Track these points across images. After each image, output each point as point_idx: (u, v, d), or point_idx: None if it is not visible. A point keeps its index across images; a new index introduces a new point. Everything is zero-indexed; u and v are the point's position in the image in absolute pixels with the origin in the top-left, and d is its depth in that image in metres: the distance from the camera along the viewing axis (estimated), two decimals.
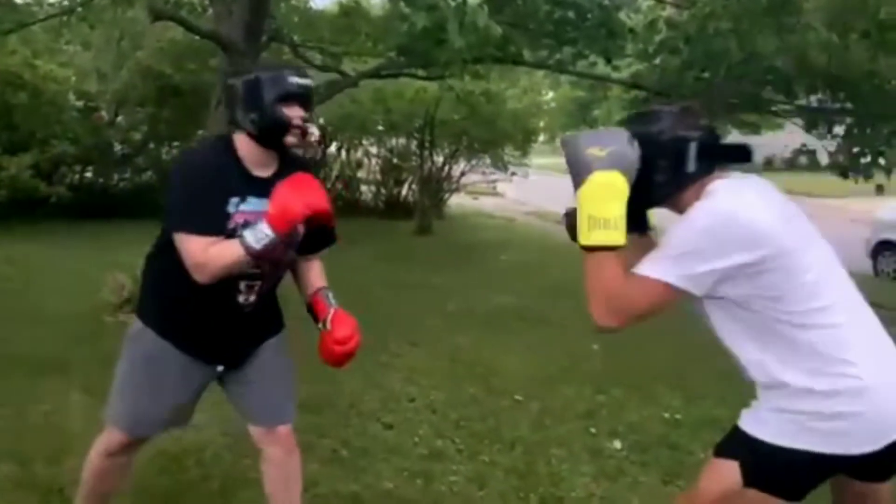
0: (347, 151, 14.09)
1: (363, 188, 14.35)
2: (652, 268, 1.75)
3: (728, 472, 1.78)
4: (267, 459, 2.38)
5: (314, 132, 2.11)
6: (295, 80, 2.10)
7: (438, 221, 12.67)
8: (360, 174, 14.34)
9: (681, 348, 5.11)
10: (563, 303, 6.82)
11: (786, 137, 11.18)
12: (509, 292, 7.22)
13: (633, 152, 1.77)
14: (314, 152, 9.00)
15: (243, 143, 2.14)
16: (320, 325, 2.29)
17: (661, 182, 1.82)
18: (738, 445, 1.80)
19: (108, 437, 2.33)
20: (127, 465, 2.44)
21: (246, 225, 2.05)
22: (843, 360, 1.69)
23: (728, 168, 1.89)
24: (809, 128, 6.01)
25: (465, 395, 4.31)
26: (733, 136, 20.22)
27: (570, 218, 1.86)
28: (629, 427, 3.92)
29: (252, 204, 2.10)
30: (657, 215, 2.01)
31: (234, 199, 2.09)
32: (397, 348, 5.13)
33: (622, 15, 6.11)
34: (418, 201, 12.90)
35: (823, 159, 6.22)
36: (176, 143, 11.58)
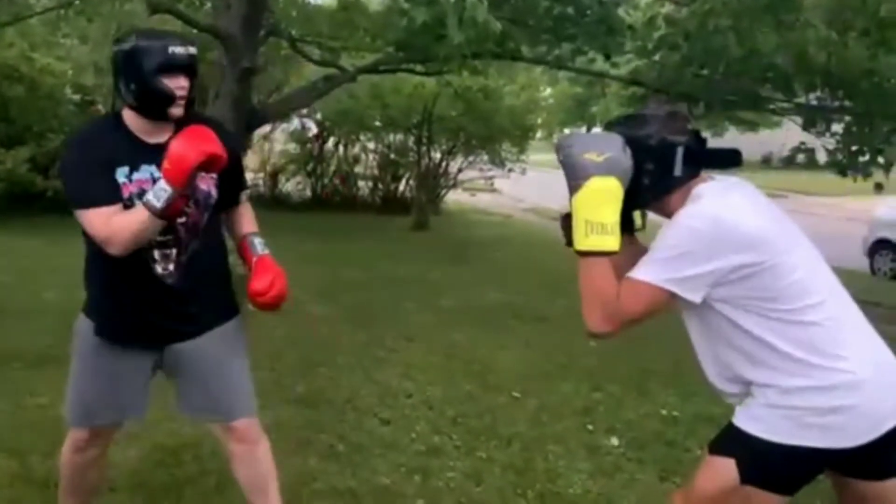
0: (345, 147, 14.08)
1: (360, 184, 14.33)
2: (643, 272, 1.76)
3: (724, 469, 1.80)
4: (231, 456, 2.33)
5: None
6: (176, 49, 2.03)
7: (435, 217, 12.66)
8: (358, 170, 14.33)
9: (677, 345, 5.07)
10: (559, 299, 6.82)
11: (784, 135, 11.18)
12: (506, 289, 7.22)
13: (627, 159, 1.78)
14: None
15: (129, 115, 2.11)
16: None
17: (647, 185, 1.84)
18: (733, 442, 1.81)
19: (71, 433, 2.34)
20: (98, 460, 2.41)
21: (143, 192, 2.02)
22: (836, 354, 1.73)
23: (712, 171, 1.91)
24: (808, 126, 6.01)
25: (461, 391, 4.31)
26: (731, 134, 20.25)
27: (566, 221, 1.86)
28: (626, 424, 3.93)
29: (145, 171, 2.08)
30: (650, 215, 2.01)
31: (123, 169, 2.06)
32: (394, 344, 5.13)
33: (621, 11, 6.09)
34: (415, 197, 12.89)
35: (822, 157, 6.22)
36: None
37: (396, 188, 14.30)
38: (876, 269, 10.07)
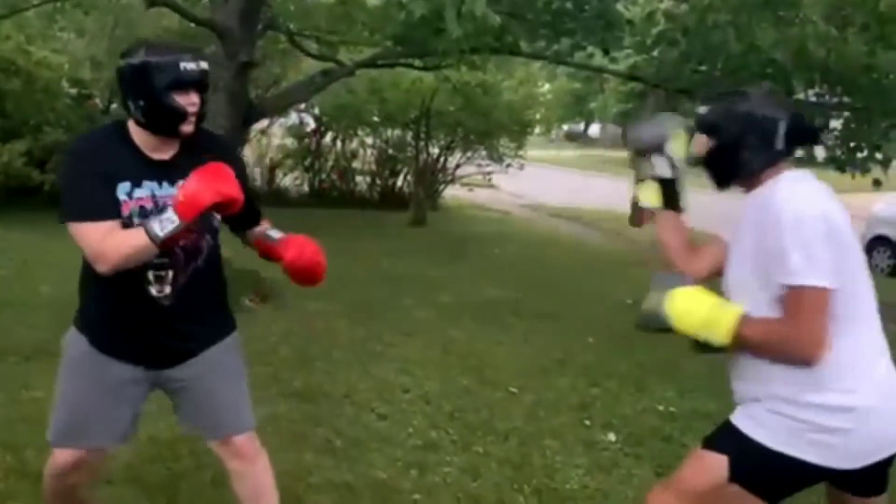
0: (343, 142, 14.04)
1: (358, 179, 14.30)
2: (801, 276, 1.69)
3: (715, 464, 1.80)
4: (232, 474, 2.26)
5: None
6: (188, 65, 1.94)
7: (433, 213, 12.65)
8: (356, 165, 14.29)
9: (674, 342, 5.10)
10: (557, 295, 6.82)
11: None
12: (503, 285, 7.21)
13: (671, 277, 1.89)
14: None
15: (136, 129, 2.02)
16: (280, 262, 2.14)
17: (747, 159, 1.86)
18: (730, 441, 1.82)
19: (53, 456, 2.21)
20: (78, 488, 2.28)
21: (143, 210, 1.97)
22: (852, 377, 1.74)
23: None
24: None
25: (459, 386, 4.30)
26: None
27: (702, 346, 1.86)
28: (623, 419, 3.93)
29: (147, 188, 2.00)
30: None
31: (125, 185, 1.98)
32: (391, 339, 5.12)
33: (620, 6, 6.09)
34: (413, 193, 12.86)
35: (820, 154, 6.22)
36: None
37: (394, 183, 14.27)
38: (873, 266, 10.07)
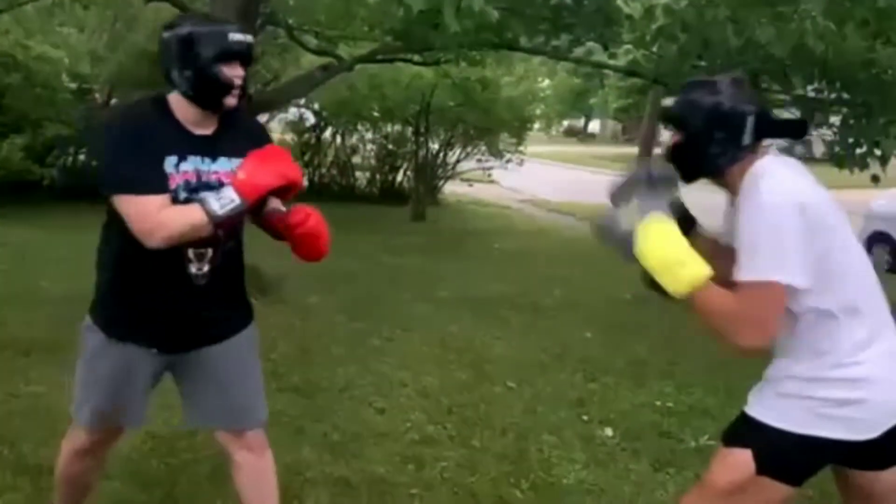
0: (342, 137, 14.05)
1: (358, 174, 14.31)
2: (760, 271, 1.69)
3: (740, 460, 1.79)
4: (236, 465, 2.23)
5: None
6: (236, 36, 1.94)
7: (433, 208, 12.65)
8: (356, 160, 14.30)
9: (672, 337, 5.12)
10: (555, 290, 6.83)
11: None
12: (502, 280, 7.22)
13: (655, 198, 1.80)
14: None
15: (178, 102, 1.99)
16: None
17: (715, 153, 1.82)
18: (748, 433, 1.81)
19: (74, 434, 2.24)
20: (96, 468, 2.35)
21: (188, 185, 1.94)
22: (858, 349, 1.74)
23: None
24: (806, 117, 5.98)
25: (457, 380, 4.31)
26: None
27: (653, 284, 1.81)
28: (621, 415, 3.93)
29: (192, 163, 1.98)
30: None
31: (172, 159, 1.95)
32: (390, 333, 5.13)
33: (619, 1, 6.06)
34: (413, 188, 12.87)
35: (819, 149, 6.22)
36: None
37: (394, 179, 14.28)
38: (872, 262, 10.04)
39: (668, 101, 1.92)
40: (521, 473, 3.24)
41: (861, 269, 1.83)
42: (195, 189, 1.96)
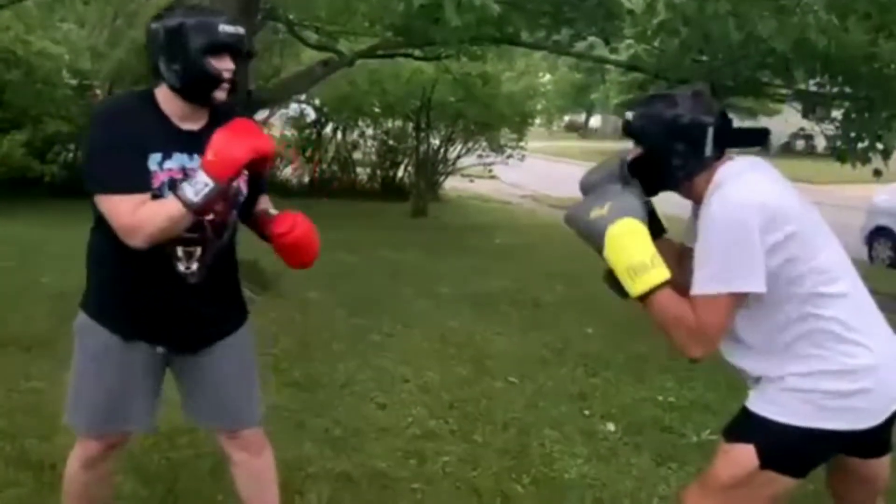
0: (343, 133, 14.04)
1: (359, 170, 14.30)
2: (707, 285, 1.72)
3: (744, 455, 1.80)
4: (234, 464, 2.22)
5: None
6: (226, 28, 1.87)
7: (434, 204, 12.64)
8: (356, 156, 14.29)
9: None
10: (556, 286, 6.82)
11: (782, 125, 11.14)
12: (503, 275, 7.21)
13: (630, 196, 1.78)
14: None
15: (166, 96, 1.93)
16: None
17: (677, 166, 1.83)
18: (751, 428, 1.82)
19: (79, 446, 2.16)
20: (107, 476, 2.27)
21: (173, 182, 1.87)
22: (854, 339, 1.75)
23: (734, 151, 1.90)
24: (807, 112, 5.98)
25: (458, 376, 4.31)
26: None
27: (612, 280, 1.82)
28: (622, 409, 3.93)
29: (177, 160, 1.91)
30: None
31: (156, 156, 1.88)
32: (391, 329, 5.13)
33: None
34: (414, 183, 12.87)
35: (821, 144, 6.21)
36: None
37: (395, 174, 14.27)
38: (874, 257, 10.06)
39: (629, 115, 1.91)
40: (522, 468, 3.24)
41: (843, 260, 1.84)
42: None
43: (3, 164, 9.36)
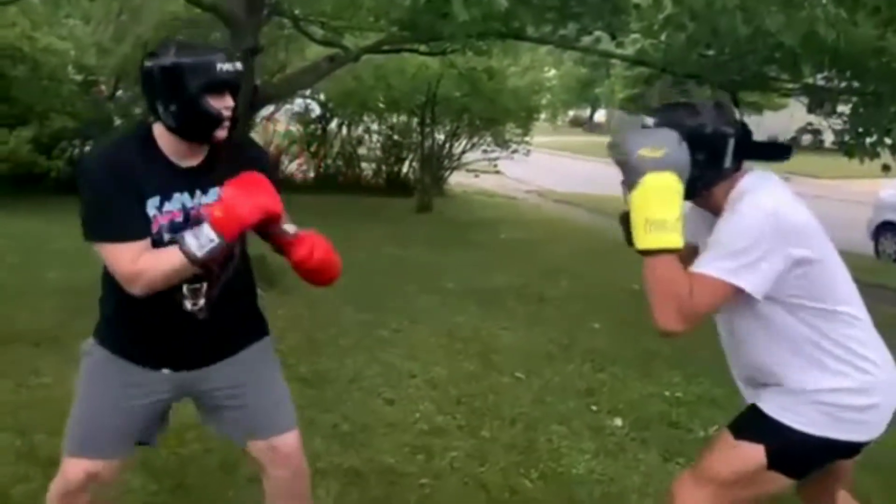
0: (348, 128, 14.02)
1: (364, 165, 14.29)
2: (711, 266, 1.73)
3: (752, 454, 1.84)
4: (268, 478, 2.12)
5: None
6: (224, 66, 1.80)
7: (439, 199, 12.63)
8: (361, 151, 14.28)
9: None
10: (562, 281, 6.82)
11: (788, 120, 11.09)
12: (509, 270, 7.21)
13: (685, 153, 1.75)
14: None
15: (163, 135, 1.87)
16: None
17: (696, 176, 1.81)
18: (764, 431, 1.85)
19: (62, 471, 2.02)
20: None
21: (174, 225, 1.84)
22: (866, 356, 1.82)
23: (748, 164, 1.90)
24: (815, 106, 5.96)
25: (465, 371, 4.31)
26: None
27: (625, 221, 1.81)
28: (630, 405, 3.93)
29: (177, 201, 1.87)
30: None
31: (154, 200, 1.85)
32: (397, 325, 5.13)
33: None
34: (419, 179, 12.85)
35: (828, 139, 6.18)
36: None
37: (400, 170, 14.24)
38: (881, 252, 10.04)
39: (649, 121, 1.90)
40: (530, 463, 3.24)
41: (847, 277, 1.88)
42: (181, 227, 1.86)
43: (10, 161, 9.37)
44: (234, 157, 1.93)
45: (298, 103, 13.79)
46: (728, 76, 6.05)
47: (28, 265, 6.23)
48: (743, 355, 1.94)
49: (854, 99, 5.91)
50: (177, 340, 2.00)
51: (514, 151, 14.23)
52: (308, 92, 12.64)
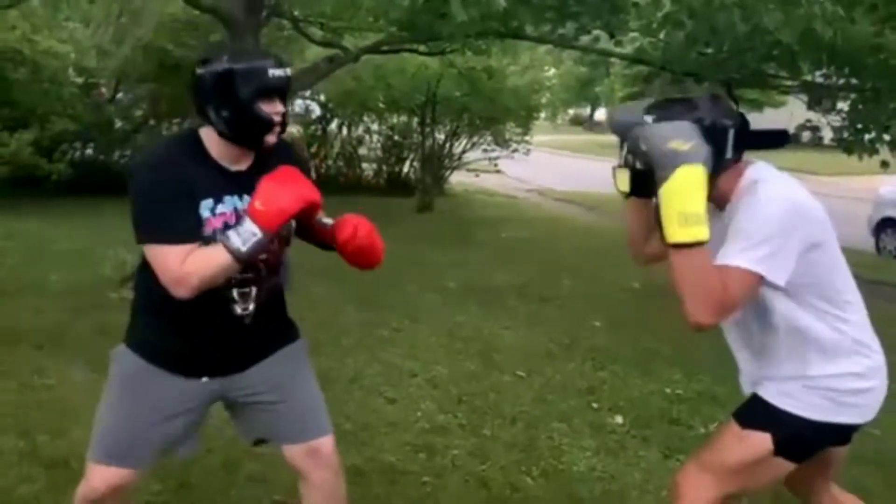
0: (348, 128, 14.03)
1: (364, 165, 14.30)
2: (739, 258, 1.72)
3: (758, 443, 1.89)
4: (310, 483, 2.11)
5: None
6: (276, 72, 1.84)
7: (440, 199, 12.64)
8: (362, 151, 14.29)
9: (679, 326, 5.11)
10: (563, 280, 6.83)
11: (788, 118, 11.10)
12: (509, 269, 7.22)
13: (706, 145, 1.74)
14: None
15: (213, 140, 1.90)
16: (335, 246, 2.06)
17: None
18: (769, 419, 1.90)
19: (87, 477, 2.02)
20: None
21: (226, 227, 1.84)
22: (868, 343, 1.89)
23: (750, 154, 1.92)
24: (814, 104, 5.97)
25: (466, 370, 4.32)
26: None
27: (655, 212, 1.76)
28: (630, 402, 3.94)
29: (229, 203, 1.90)
30: None
31: (207, 202, 1.86)
32: (398, 324, 5.14)
33: None
34: (420, 178, 12.86)
35: (827, 136, 6.19)
36: (177, 120, 11.51)
37: (400, 170, 14.25)
38: (881, 248, 10.05)
39: (648, 119, 1.88)
40: (531, 461, 3.26)
41: (845, 265, 1.91)
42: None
43: (11, 163, 9.37)
44: (277, 158, 1.94)
45: (298, 104, 13.80)
46: (727, 74, 6.07)
47: (30, 267, 6.24)
48: (753, 345, 1.95)
49: (852, 96, 5.93)
50: (222, 347, 2.00)
51: (515, 150, 14.23)
52: (308, 93, 12.65)
